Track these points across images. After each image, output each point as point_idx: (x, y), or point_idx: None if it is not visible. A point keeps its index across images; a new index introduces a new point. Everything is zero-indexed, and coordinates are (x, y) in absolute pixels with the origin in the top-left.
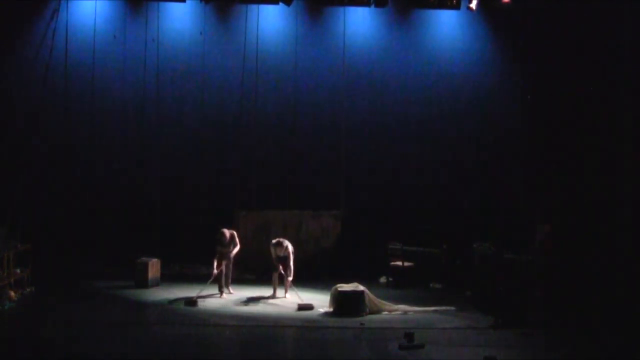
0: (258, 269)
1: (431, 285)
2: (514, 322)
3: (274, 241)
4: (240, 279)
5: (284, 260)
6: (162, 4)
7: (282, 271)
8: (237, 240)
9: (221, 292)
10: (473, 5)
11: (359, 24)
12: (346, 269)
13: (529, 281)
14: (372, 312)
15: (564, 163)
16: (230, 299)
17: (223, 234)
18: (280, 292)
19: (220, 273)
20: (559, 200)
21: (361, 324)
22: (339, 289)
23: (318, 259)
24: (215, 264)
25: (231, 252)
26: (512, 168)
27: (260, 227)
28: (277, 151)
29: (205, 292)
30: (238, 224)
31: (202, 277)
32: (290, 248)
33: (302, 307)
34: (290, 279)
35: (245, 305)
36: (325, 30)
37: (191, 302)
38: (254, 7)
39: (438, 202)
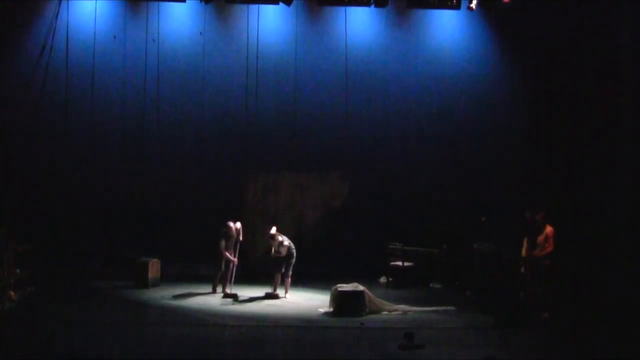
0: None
1: (431, 285)
2: (514, 322)
3: (271, 233)
4: (241, 279)
5: (277, 254)
6: (162, 4)
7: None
8: (241, 232)
9: (223, 288)
10: (473, 5)
11: (359, 24)
12: (346, 269)
13: (529, 281)
14: (372, 312)
15: (564, 163)
16: (230, 298)
17: (229, 227)
18: (280, 292)
19: (226, 269)
20: (559, 200)
21: (361, 324)
22: (339, 289)
23: (327, 222)
24: (228, 256)
25: (236, 245)
26: (513, 168)
27: (268, 188)
28: (277, 153)
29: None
30: (247, 185)
31: (203, 277)
32: (286, 244)
33: (227, 295)
34: (289, 278)
35: (245, 305)
36: (325, 30)
37: (231, 295)
38: (254, 7)
39: (438, 202)
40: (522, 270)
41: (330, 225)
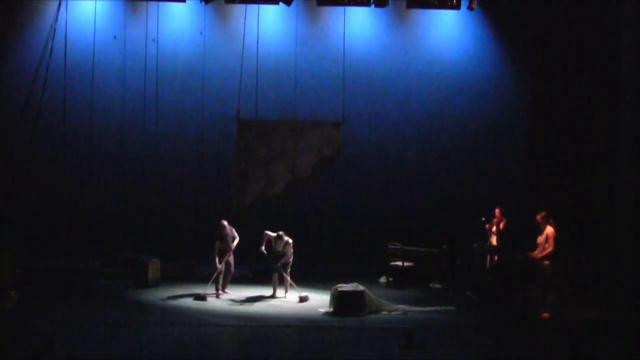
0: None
1: (431, 285)
2: (514, 322)
3: (274, 234)
4: (240, 278)
5: (282, 255)
6: (162, 4)
7: (281, 271)
8: (235, 232)
9: (217, 291)
10: (473, 4)
11: (359, 24)
12: (346, 269)
13: (529, 281)
14: (372, 312)
15: (564, 162)
16: (230, 298)
17: (223, 227)
18: (280, 292)
19: (220, 271)
20: (559, 200)
21: (361, 324)
22: (339, 289)
23: (319, 170)
24: (217, 259)
25: (231, 246)
26: (512, 168)
27: (262, 134)
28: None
29: (210, 290)
30: (240, 132)
31: (203, 277)
32: (290, 242)
33: (302, 299)
34: (288, 277)
35: (245, 305)
36: (325, 30)
37: (201, 297)
38: (253, 7)
39: (438, 202)
40: (489, 262)
41: (330, 224)
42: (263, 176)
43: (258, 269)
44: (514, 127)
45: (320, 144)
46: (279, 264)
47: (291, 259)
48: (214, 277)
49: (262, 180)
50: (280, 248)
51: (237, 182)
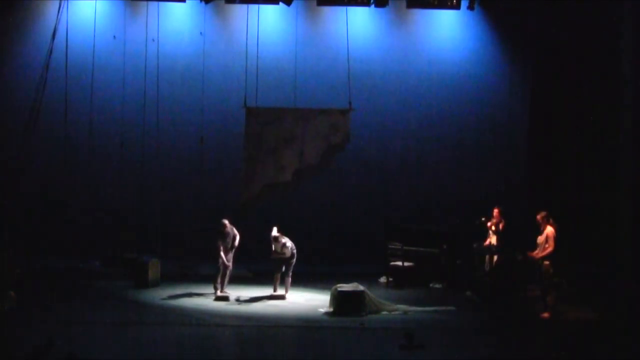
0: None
1: (431, 285)
2: (514, 322)
3: (274, 234)
4: (240, 278)
5: (281, 255)
6: (162, 4)
7: (278, 273)
8: (235, 231)
9: (215, 290)
10: (473, 4)
11: (359, 24)
12: (346, 269)
13: (529, 281)
14: (372, 312)
15: (564, 162)
16: (230, 298)
17: (224, 225)
18: (280, 291)
19: (222, 270)
20: (559, 200)
21: (361, 324)
22: (339, 289)
23: (327, 158)
24: (224, 257)
25: (233, 244)
26: (512, 168)
27: (269, 122)
28: None
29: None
30: (248, 120)
31: (203, 277)
32: (288, 245)
33: (219, 297)
34: (289, 278)
35: (245, 305)
36: (325, 30)
37: (223, 297)
38: (253, 7)
39: (438, 202)
40: (487, 262)
41: (330, 224)
42: (271, 163)
43: (258, 269)
44: (514, 127)
45: (328, 132)
46: (275, 258)
47: (293, 260)
48: (227, 277)
49: (271, 167)
50: (278, 249)
51: (245, 169)
